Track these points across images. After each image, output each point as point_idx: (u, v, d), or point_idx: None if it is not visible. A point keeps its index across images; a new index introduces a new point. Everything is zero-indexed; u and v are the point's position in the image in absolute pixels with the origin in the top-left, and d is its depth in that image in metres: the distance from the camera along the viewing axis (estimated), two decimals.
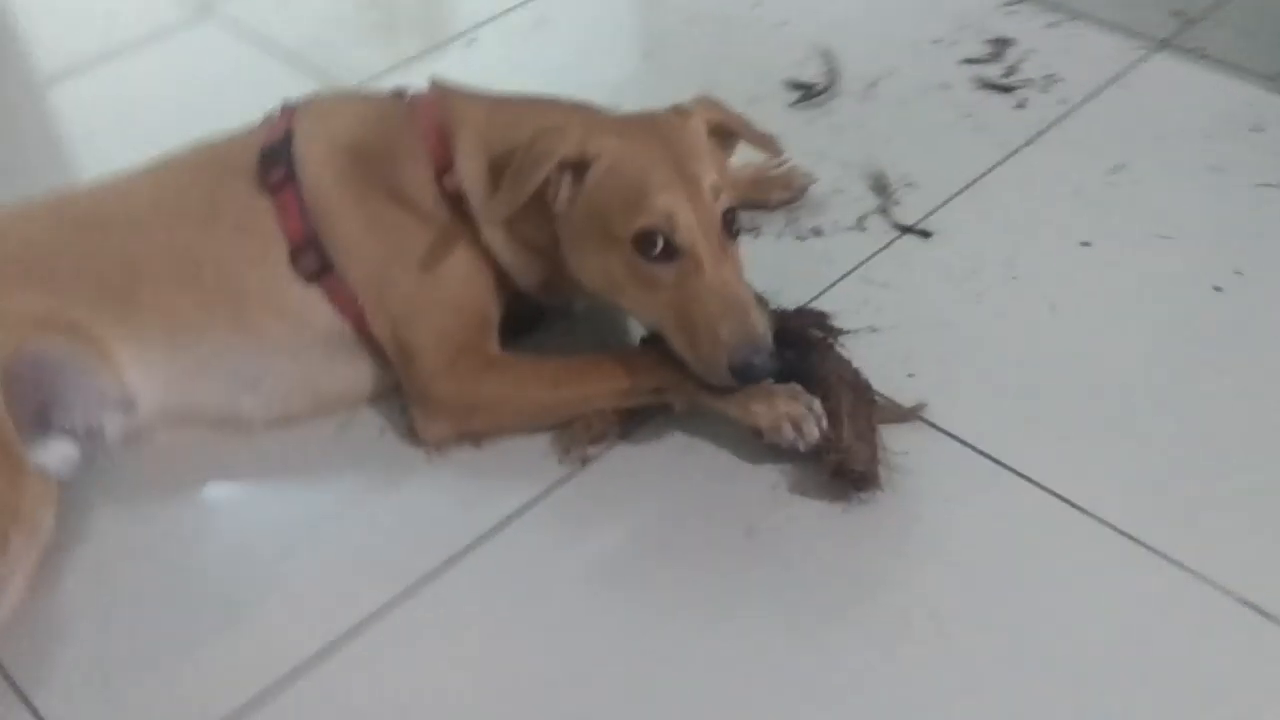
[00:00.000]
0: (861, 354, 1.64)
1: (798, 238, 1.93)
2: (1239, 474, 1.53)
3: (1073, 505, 1.51)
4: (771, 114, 2.18)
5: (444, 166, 1.63)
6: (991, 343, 1.73)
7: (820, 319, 1.70)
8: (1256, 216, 1.90)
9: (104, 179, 1.72)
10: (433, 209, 1.63)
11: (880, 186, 2.00)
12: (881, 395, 1.60)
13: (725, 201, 1.55)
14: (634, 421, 1.64)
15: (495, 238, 1.63)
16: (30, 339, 1.54)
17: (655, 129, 1.59)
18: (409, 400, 1.65)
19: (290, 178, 1.64)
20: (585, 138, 1.55)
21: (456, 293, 1.65)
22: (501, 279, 1.67)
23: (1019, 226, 1.91)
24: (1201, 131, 2.06)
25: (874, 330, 1.74)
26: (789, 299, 1.74)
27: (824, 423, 1.52)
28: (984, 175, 2.01)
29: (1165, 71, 2.20)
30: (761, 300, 1.59)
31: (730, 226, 1.56)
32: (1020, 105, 2.16)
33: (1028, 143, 2.07)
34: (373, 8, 2.67)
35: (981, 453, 1.58)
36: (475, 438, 1.64)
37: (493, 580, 1.49)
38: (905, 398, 1.63)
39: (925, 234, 1.91)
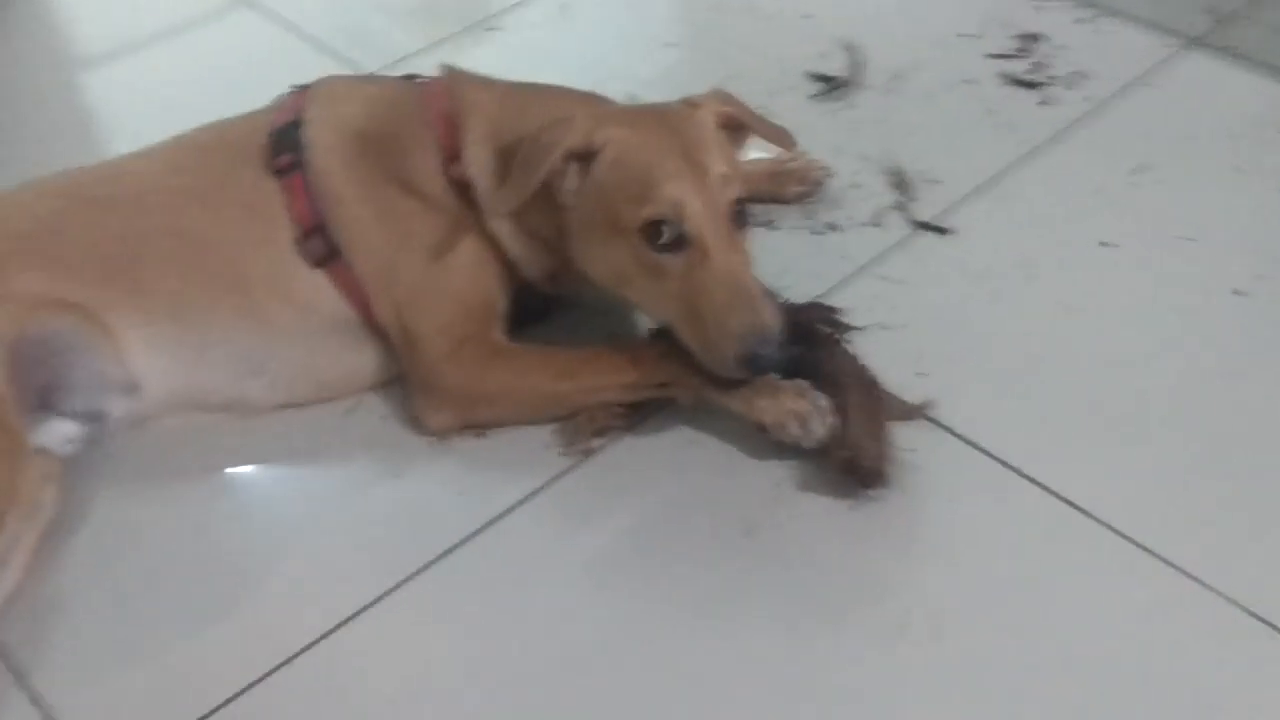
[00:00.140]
0: (872, 351, 1.62)
1: (813, 232, 1.91)
2: (1252, 484, 1.50)
3: (1080, 510, 1.48)
4: (792, 106, 2.16)
5: (452, 154, 1.61)
6: (1005, 343, 1.70)
7: (829, 314, 1.67)
8: None
9: (115, 159, 1.72)
10: (440, 197, 1.62)
11: (899, 182, 1.97)
12: (888, 393, 1.58)
13: (733, 192, 1.53)
14: (638, 415, 1.62)
15: (501, 228, 1.62)
16: (36, 320, 1.55)
17: (664, 120, 1.57)
18: (413, 388, 1.64)
19: (298, 162, 1.64)
20: (592, 128, 1.53)
21: (462, 281, 1.63)
22: (508, 269, 1.66)
23: (1039, 225, 1.88)
24: (1229, 132, 2.01)
25: (885, 328, 1.72)
26: (801, 294, 1.71)
27: (830, 419, 1.50)
28: (1005, 172, 1.98)
29: (1195, 70, 2.15)
30: (769, 293, 1.57)
31: (738, 217, 1.53)
32: (1045, 102, 2.12)
33: (1051, 140, 2.04)
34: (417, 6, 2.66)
35: (989, 454, 1.55)
36: (478, 427, 1.63)
37: (489, 571, 1.48)
38: (914, 396, 1.60)
39: (943, 231, 1.88)
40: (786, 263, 1.83)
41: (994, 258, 1.82)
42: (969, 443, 1.57)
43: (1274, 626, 1.35)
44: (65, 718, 1.36)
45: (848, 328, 1.65)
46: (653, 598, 1.45)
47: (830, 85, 2.20)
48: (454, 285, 1.63)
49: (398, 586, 1.47)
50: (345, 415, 1.68)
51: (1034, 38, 2.27)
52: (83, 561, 1.52)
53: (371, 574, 1.48)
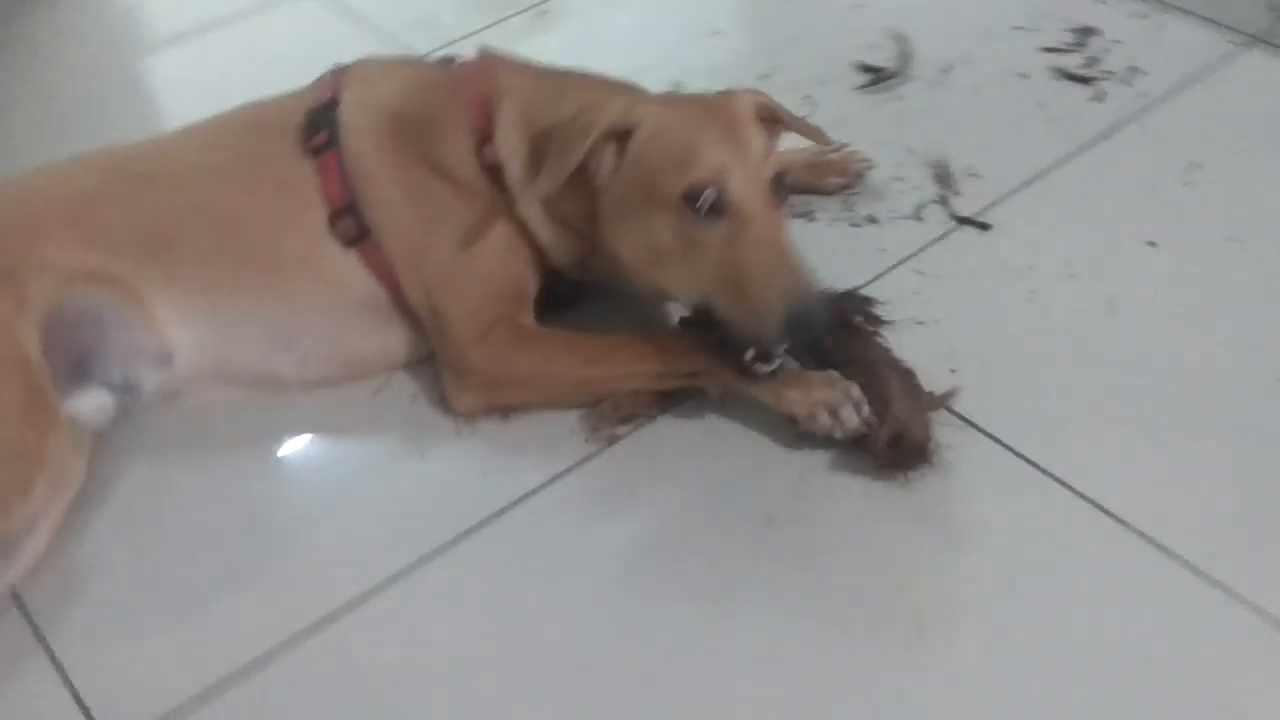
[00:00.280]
0: (904, 345, 1.60)
1: (852, 224, 1.88)
2: None
3: (1108, 513, 1.45)
4: (838, 96, 2.14)
5: (485, 137, 1.61)
6: (1040, 342, 1.66)
7: (865, 306, 1.65)
8: None
9: (158, 136, 1.74)
10: (472, 180, 1.62)
11: (942, 175, 1.94)
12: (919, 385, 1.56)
13: (772, 166, 1.52)
14: (665, 404, 1.61)
15: (531, 212, 1.62)
16: (74, 291, 1.57)
17: (701, 101, 1.58)
18: (442, 369, 1.65)
19: (333, 142, 1.64)
20: (627, 108, 1.52)
21: (492, 265, 1.63)
22: (538, 254, 1.66)
23: (1083, 223, 1.84)
24: None
25: (920, 322, 1.69)
26: (837, 285, 1.68)
27: (864, 409, 1.48)
28: (1052, 168, 1.94)
29: (1255, 68, 2.10)
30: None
31: (777, 192, 1.52)
32: (1098, 97, 2.07)
33: (1102, 136, 1.99)
34: None
35: (1017, 453, 1.53)
36: (505, 410, 1.63)
37: (508, 554, 1.48)
38: (942, 391, 1.57)
39: (984, 226, 1.85)
40: (824, 254, 1.76)
41: (1034, 255, 1.79)
42: (997, 440, 1.54)
43: None
44: (81, 679, 1.39)
45: (882, 321, 1.63)
46: (670, 587, 1.44)
47: (878, 76, 2.17)
48: (484, 268, 1.63)
49: (418, 564, 1.48)
50: (374, 394, 1.68)
51: (1089, 31, 2.22)
52: (109, 530, 1.54)
53: (392, 551, 1.49)
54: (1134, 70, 2.11)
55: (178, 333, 1.62)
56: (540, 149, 1.57)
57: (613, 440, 1.59)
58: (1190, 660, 1.31)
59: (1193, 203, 1.85)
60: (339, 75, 1.72)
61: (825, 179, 1.93)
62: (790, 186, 1.89)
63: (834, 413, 1.49)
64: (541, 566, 1.47)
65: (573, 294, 1.74)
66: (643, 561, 1.47)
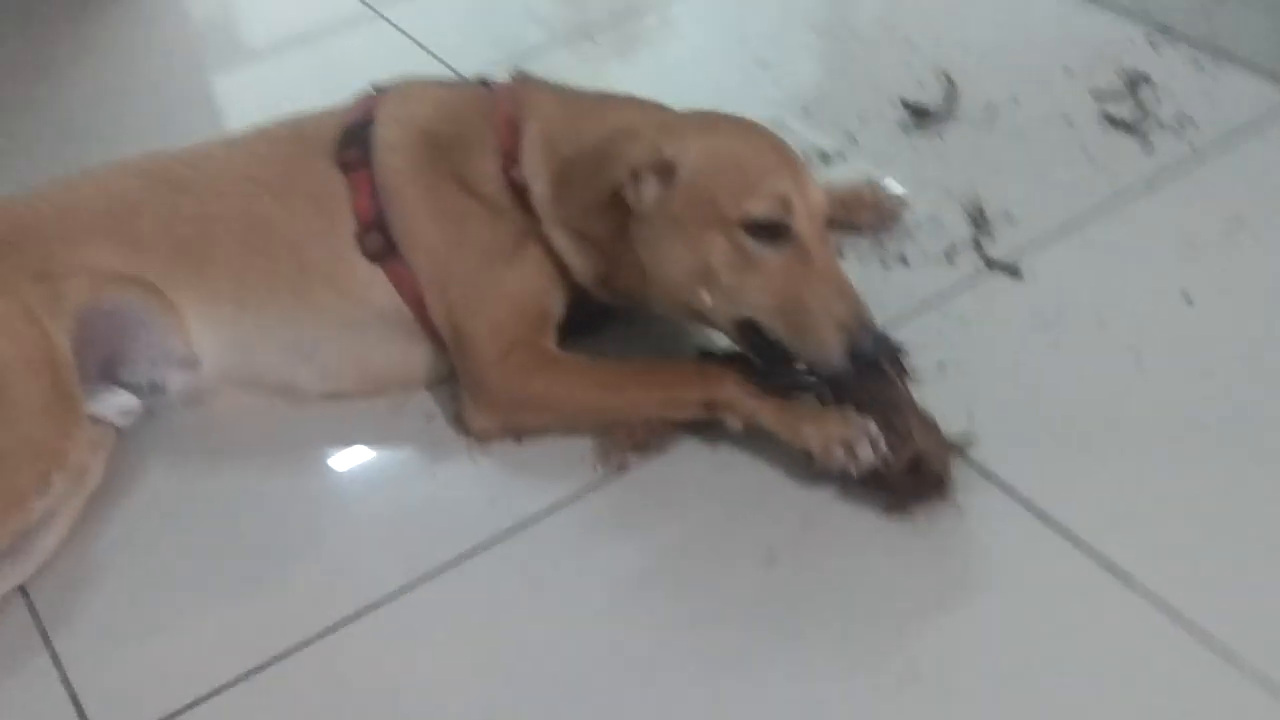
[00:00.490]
0: (924, 389, 1.58)
1: (882, 263, 1.87)
2: None
3: (1121, 576, 1.42)
4: (879, 133, 2.13)
5: (511, 157, 1.63)
6: (1063, 392, 1.64)
7: (893, 350, 1.63)
8: None
9: (197, 144, 1.77)
10: (499, 199, 1.64)
11: (977, 218, 1.92)
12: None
13: (825, 195, 1.55)
14: (679, 433, 1.61)
15: (556, 232, 1.62)
16: (107, 293, 1.60)
17: (744, 123, 1.60)
18: (462, 389, 1.66)
19: (365, 158, 1.67)
20: (659, 141, 1.53)
21: (516, 286, 1.64)
22: (563, 275, 1.67)
23: (1117, 273, 1.81)
24: None
25: (941, 366, 1.67)
26: None
27: (880, 446, 1.47)
28: (1091, 216, 1.91)
29: None
30: None
31: (828, 222, 1.56)
32: (1145, 146, 2.04)
33: (1146, 186, 1.96)
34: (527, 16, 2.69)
35: (1031, 507, 1.50)
36: (521, 433, 1.64)
37: (508, 578, 1.48)
38: (958, 437, 1.55)
39: (1015, 272, 1.82)
40: None
41: (1065, 303, 1.76)
42: (1011, 491, 1.52)
43: None
44: (79, 677, 1.41)
45: (908, 370, 1.61)
46: (665, 621, 1.43)
47: (922, 115, 2.15)
48: (508, 289, 1.64)
49: (417, 583, 1.49)
50: (392, 411, 1.70)
51: (1142, 79, 2.19)
52: (122, 530, 1.57)
53: (393, 568, 1.50)
54: (1184, 120, 2.08)
55: (205, 339, 1.65)
56: (565, 171, 1.58)
57: (623, 468, 1.59)
58: None
59: (1233, 258, 1.81)
60: (377, 95, 1.74)
61: (859, 216, 1.92)
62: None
63: (849, 449, 1.48)
64: (538, 593, 1.47)
65: (596, 318, 1.75)
66: (640, 594, 1.46)
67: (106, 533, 1.57)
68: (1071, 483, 1.52)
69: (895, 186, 1.96)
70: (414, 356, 1.71)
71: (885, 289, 1.82)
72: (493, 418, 1.64)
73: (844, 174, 2.03)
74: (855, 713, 1.32)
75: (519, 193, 1.63)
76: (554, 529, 1.54)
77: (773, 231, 1.49)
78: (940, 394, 1.59)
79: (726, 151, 1.53)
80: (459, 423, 1.66)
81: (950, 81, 2.21)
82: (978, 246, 1.87)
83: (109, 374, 1.63)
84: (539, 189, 1.61)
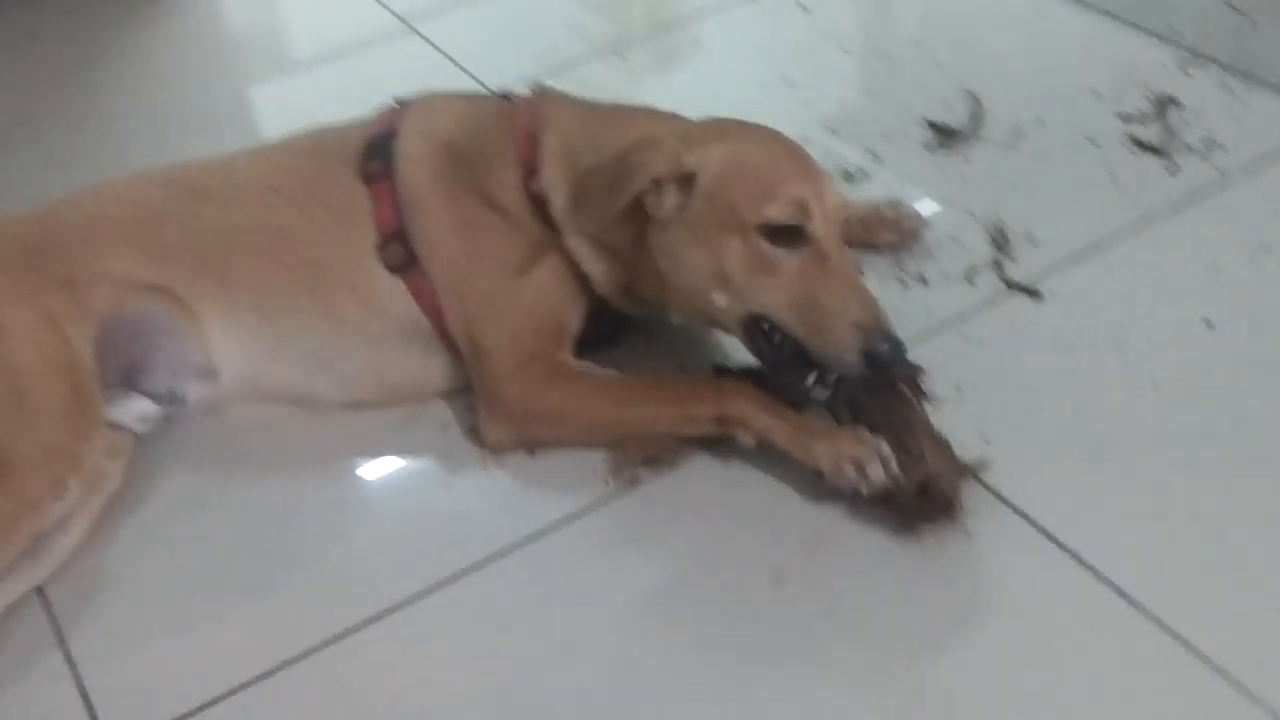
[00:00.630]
0: (939, 410, 1.58)
1: (901, 283, 1.86)
2: None
3: (1134, 603, 1.40)
4: (903, 153, 2.13)
5: (531, 169, 1.64)
6: (1079, 417, 1.62)
7: (911, 372, 1.63)
8: None
9: (221, 155, 1.80)
10: (519, 212, 1.65)
11: (998, 239, 1.91)
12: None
13: (842, 198, 1.57)
14: (692, 449, 1.61)
15: (575, 241, 1.63)
16: (131, 301, 1.63)
17: (756, 129, 1.61)
18: (478, 400, 1.67)
19: (388, 170, 1.68)
20: (680, 150, 1.54)
21: (534, 299, 1.65)
22: (583, 286, 1.67)
23: (1139, 298, 1.79)
24: None
25: (958, 388, 1.66)
26: None
27: (892, 466, 1.47)
28: (1113, 239, 1.90)
29: None
30: None
31: (844, 227, 1.58)
32: (1171, 170, 2.02)
33: (1171, 210, 1.94)
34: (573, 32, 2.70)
35: (1044, 531, 1.49)
36: (535, 445, 1.65)
37: (512, 591, 1.49)
38: (972, 459, 1.54)
39: (1035, 294, 1.81)
40: None
41: (1084, 326, 1.75)
42: (1024, 515, 1.50)
43: None
44: (91, 677, 1.43)
45: (924, 392, 1.61)
46: (672, 635, 1.43)
47: (947, 135, 2.15)
48: (525, 302, 1.65)
49: (428, 592, 1.49)
50: (407, 421, 1.71)
51: (1172, 101, 2.17)
52: (139, 535, 1.59)
53: (405, 576, 1.51)
54: (1212, 144, 2.06)
55: (225, 348, 1.67)
56: (585, 181, 1.59)
57: (635, 482, 1.59)
58: None
59: (1256, 285, 1.79)
60: (400, 108, 1.76)
61: (879, 235, 1.92)
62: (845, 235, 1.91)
63: (860, 468, 1.48)
64: (547, 605, 1.47)
65: (613, 331, 1.76)
66: (646, 610, 1.47)
67: (124, 537, 1.59)
68: (1086, 508, 1.51)
69: (917, 206, 1.95)
70: (432, 367, 1.72)
71: (904, 308, 1.81)
72: (507, 430, 1.64)
73: (866, 193, 2.03)
74: None
75: (539, 205, 1.64)
76: (564, 541, 1.54)
77: (791, 236, 1.51)
78: (956, 415, 1.59)
79: (745, 158, 1.55)
80: (473, 434, 1.66)
81: (977, 102, 2.20)
82: (998, 267, 1.86)
83: (129, 381, 1.65)
84: (559, 200, 1.62)
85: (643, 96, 1.80)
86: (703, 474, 1.60)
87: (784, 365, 1.54)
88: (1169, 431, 1.60)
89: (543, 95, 1.73)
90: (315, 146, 1.76)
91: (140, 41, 2.76)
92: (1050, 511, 1.50)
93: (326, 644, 1.45)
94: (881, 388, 1.55)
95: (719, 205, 1.53)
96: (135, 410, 1.65)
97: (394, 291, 1.68)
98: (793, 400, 1.55)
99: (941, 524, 1.48)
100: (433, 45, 2.61)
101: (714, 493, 1.57)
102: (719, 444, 1.60)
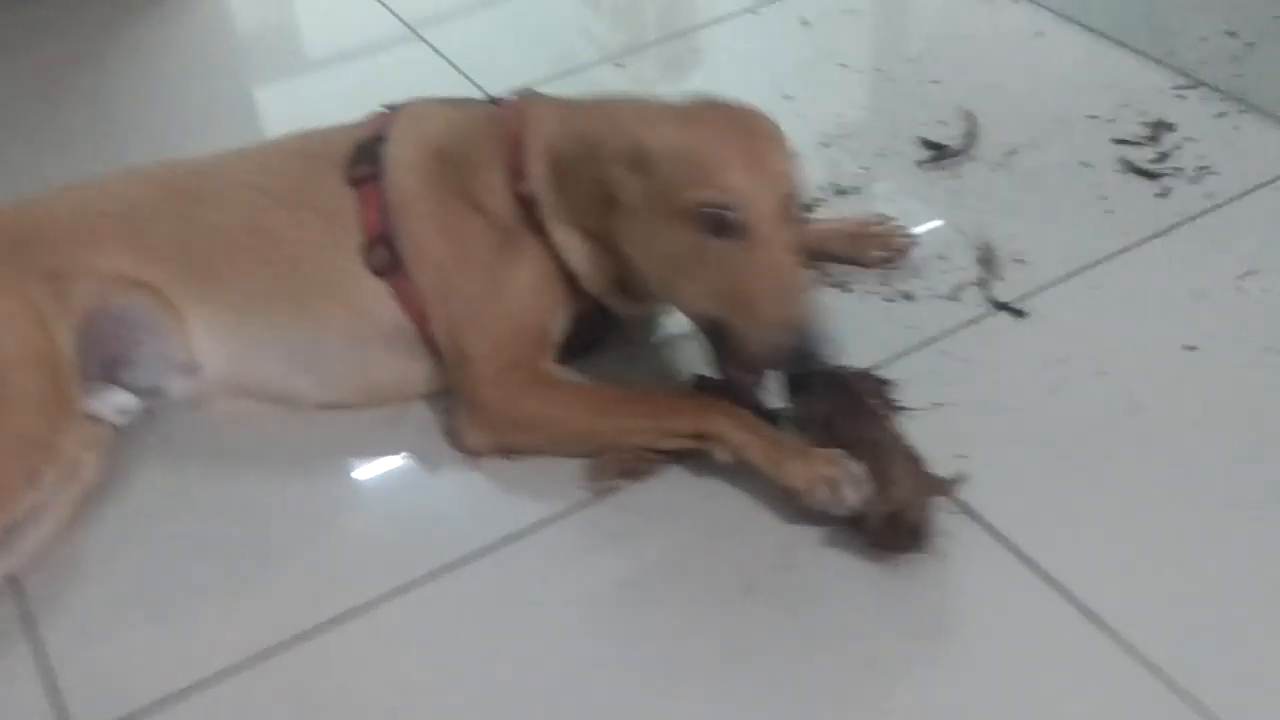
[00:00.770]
0: (917, 427, 1.58)
1: (886, 299, 1.86)
2: None
3: (1105, 627, 1.39)
4: (896, 169, 2.13)
5: (517, 172, 1.64)
6: (1057, 438, 1.62)
7: (880, 388, 1.64)
8: None
9: (211, 155, 1.81)
10: (506, 216, 1.65)
11: (986, 258, 1.91)
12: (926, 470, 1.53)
13: (790, 186, 1.53)
14: (668, 462, 1.61)
15: (563, 237, 1.63)
16: (115, 296, 1.64)
17: (726, 114, 1.58)
18: (459, 403, 1.67)
19: (376, 174, 1.69)
20: (640, 129, 1.54)
21: (518, 305, 1.66)
22: (571, 288, 1.67)
23: (1123, 320, 1.79)
24: None
25: (937, 405, 1.66)
26: (860, 359, 1.67)
27: (865, 489, 1.47)
28: (1101, 261, 1.89)
29: None
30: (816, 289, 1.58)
31: (794, 213, 1.53)
32: (1163, 194, 2.02)
33: (1159, 234, 1.94)
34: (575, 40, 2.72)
35: (1016, 551, 1.48)
36: (512, 452, 1.65)
37: (480, 595, 1.49)
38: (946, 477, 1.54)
39: (1020, 314, 1.81)
40: (853, 327, 1.78)
41: (1067, 348, 1.75)
42: (997, 534, 1.50)
43: None
44: (60, 668, 1.43)
45: (896, 405, 1.61)
46: (639, 643, 1.43)
47: (939, 153, 2.15)
48: (509, 308, 1.65)
49: (399, 592, 1.49)
50: (386, 422, 1.71)
51: (1166, 126, 2.17)
52: (115, 527, 1.60)
53: (377, 576, 1.51)
54: (1204, 169, 2.06)
55: (207, 345, 1.68)
56: (559, 167, 1.60)
57: (609, 492, 1.59)
58: None
59: (1241, 310, 1.79)
60: (390, 114, 1.77)
61: (867, 251, 1.92)
62: (830, 255, 1.91)
63: (834, 489, 1.47)
64: (512, 611, 1.47)
65: (599, 336, 1.76)
66: (614, 617, 1.47)
67: (99, 529, 1.59)
68: (1060, 530, 1.51)
69: (907, 222, 1.95)
70: (414, 371, 1.72)
71: (887, 324, 1.81)
72: (485, 435, 1.65)
73: (858, 207, 2.03)
74: None
75: (527, 209, 1.65)
76: (538, 545, 1.54)
77: (725, 224, 1.48)
78: (933, 431, 1.58)
79: (691, 142, 1.52)
80: (452, 437, 1.67)
81: (972, 121, 2.20)
82: (984, 286, 1.86)
83: (110, 375, 1.66)
84: (546, 200, 1.63)
85: None
86: (678, 485, 1.60)
87: (736, 364, 1.53)
88: (1148, 456, 1.59)
89: (527, 98, 1.74)
90: (304, 149, 1.77)
91: (145, 38, 2.77)
92: (1022, 530, 1.50)
93: (298, 640, 1.45)
94: (852, 405, 1.56)
95: (663, 189, 1.52)
96: (115, 402, 1.65)
97: (378, 295, 1.68)
98: (746, 405, 1.55)
99: (910, 553, 1.47)
100: (436, 51, 2.62)
101: (688, 503, 1.57)
102: (695, 457, 1.60)
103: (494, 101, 1.80)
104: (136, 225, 1.69)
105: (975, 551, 1.49)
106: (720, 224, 1.48)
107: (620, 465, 1.61)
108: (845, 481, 1.47)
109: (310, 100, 2.51)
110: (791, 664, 1.39)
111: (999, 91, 2.31)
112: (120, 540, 1.59)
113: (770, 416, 1.59)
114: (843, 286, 1.88)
